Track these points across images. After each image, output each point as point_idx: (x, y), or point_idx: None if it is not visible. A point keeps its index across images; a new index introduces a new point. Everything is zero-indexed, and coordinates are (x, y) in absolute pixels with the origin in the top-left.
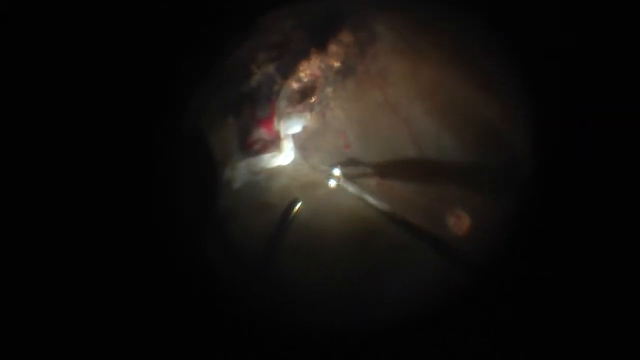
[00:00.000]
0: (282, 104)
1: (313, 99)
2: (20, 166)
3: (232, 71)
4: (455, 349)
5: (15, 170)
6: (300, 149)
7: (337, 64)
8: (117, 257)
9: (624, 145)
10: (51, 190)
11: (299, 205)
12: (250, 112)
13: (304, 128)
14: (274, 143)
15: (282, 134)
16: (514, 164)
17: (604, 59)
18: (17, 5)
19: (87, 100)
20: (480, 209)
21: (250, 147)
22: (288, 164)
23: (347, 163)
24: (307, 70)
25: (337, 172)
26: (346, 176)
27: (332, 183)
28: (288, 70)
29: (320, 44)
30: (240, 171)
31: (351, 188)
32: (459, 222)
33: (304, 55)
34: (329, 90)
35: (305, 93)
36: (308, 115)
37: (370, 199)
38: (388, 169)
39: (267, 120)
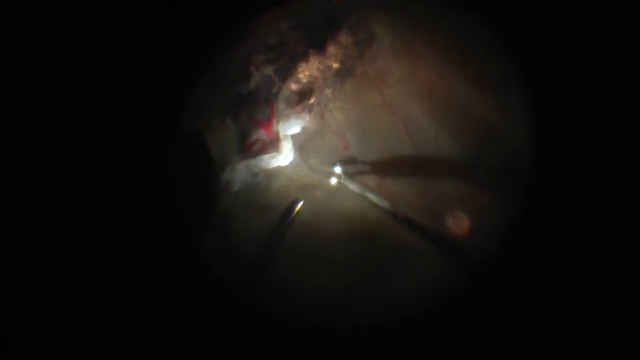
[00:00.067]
0: (280, 105)
1: (312, 100)
2: (20, 166)
3: (231, 72)
4: (455, 349)
5: (15, 170)
6: (299, 150)
7: (335, 65)
8: (117, 258)
9: (624, 144)
10: (50, 190)
11: (300, 205)
12: (249, 114)
13: (303, 129)
14: (273, 144)
15: (281, 135)
16: (513, 163)
17: (604, 58)
18: (17, 5)
19: (86, 101)
20: (480, 208)
21: (250, 148)
22: (287, 165)
23: (347, 163)
24: (306, 72)
25: (337, 170)
26: (347, 174)
27: (333, 180)
28: (286, 72)
29: (318, 45)
30: (239, 172)
31: (352, 186)
32: (459, 223)
33: (302, 56)
34: (327, 91)
35: (303, 94)
36: (307, 117)
37: (372, 197)
38: (387, 169)
39: (266, 122)
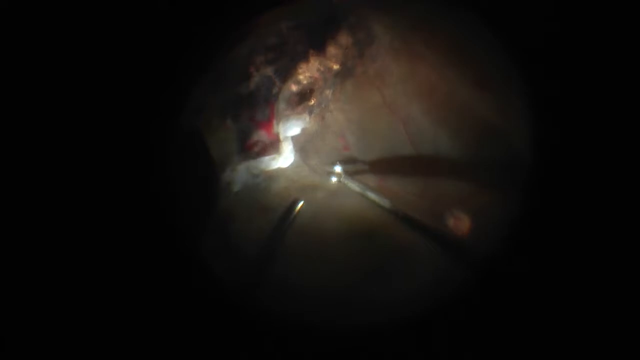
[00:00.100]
0: (281, 106)
1: (312, 101)
2: (20, 166)
3: (231, 73)
4: (455, 349)
5: (16, 171)
6: (299, 151)
7: (335, 66)
8: (118, 258)
9: (624, 144)
10: (51, 190)
11: (300, 205)
12: (249, 114)
13: (303, 130)
14: (273, 145)
15: (281, 136)
16: (513, 163)
17: (604, 58)
18: (17, 5)
19: (86, 101)
20: (480, 208)
21: (250, 150)
22: (288, 166)
23: (347, 163)
24: (306, 73)
25: (338, 169)
26: (347, 174)
27: (334, 179)
28: (286, 73)
29: (318, 45)
30: (239, 173)
31: (353, 185)
32: (459, 223)
33: (302, 57)
34: (327, 92)
35: (304, 95)
36: (307, 118)
37: (373, 196)
38: (387, 169)
39: (267, 123)
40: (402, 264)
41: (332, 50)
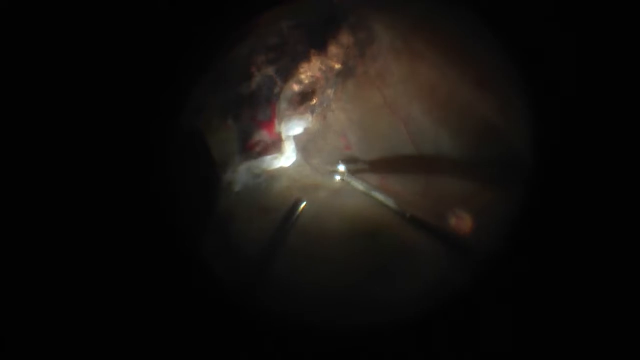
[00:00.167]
0: (282, 105)
1: (314, 101)
2: (20, 166)
3: (231, 73)
4: (455, 349)
5: (15, 171)
6: (301, 151)
7: (337, 66)
8: (118, 258)
9: (624, 144)
10: (50, 190)
11: (303, 205)
12: (251, 114)
13: (305, 130)
14: (275, 145)
15: (283, 136)
16: (514, 162)
17: (604, 58)
18: (17, 5)
19: (86, 101)
20: (481, 207)
21: (251, 149)
22: (290, 166)
23: (349, 162)
24: (308, 72)
25: (341, 168)
26: (350, 173)
27: (337, 178)
28: (288, 72)
29: (319, 45)
30: (240, 173)
31: (357, 184)
32: (461, 222)
33: (304, 56)
34: (329, 91)
35: (305, 95)
36: (309, 117)
37: (378, 195)
38: (388, 168)
39: (268, 122)
40: (404, 264)
41: (333, 49)
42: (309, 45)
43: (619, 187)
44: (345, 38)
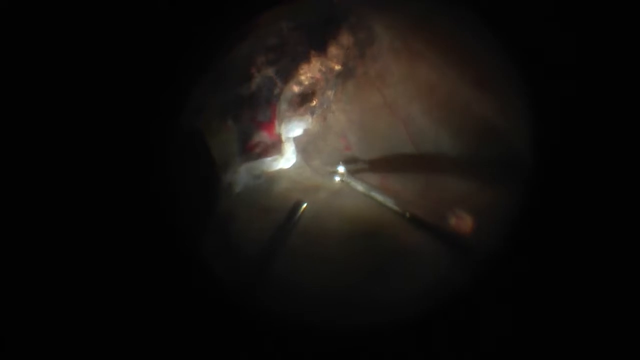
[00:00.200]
0: (282, 107)
1: (314, 102)
2: (20, 166)
3: (231, 73)
4: (455, 349)
5: (15, 171)
6: (301, 152)
7: (337, 67)
8: (118, 258)
9: (625, 144)
10: (50, 190)
11: (304, 207)
12: (251, 115)
13: (305, 131)
14: (275, 146)
15: (283, 137)
16: (514, 162)
17: (604, 58)
18: (17, 5)
19: (86, 101)
20: (482, 207)
21: (251, 151)
22: (290, 167)
23: (349, 163)
24: (307, 73)
25: (341, 169)
26: (350, 174)
27: (337, 179)
28: (288, 73)
29: (319, 45)
30: (241, 175)
31: (358, 185)
32: (461, 222)
33: (304, 57)
34: (329, 92)
35: (306, 96)
36: (309, 118)
37: (378, 196)
38: (388, 169)
39: (268, 124)
40: (404, 264)
41: (333, 50)
42: (309, 46)
43: (619, 187)
44: (345, 39)
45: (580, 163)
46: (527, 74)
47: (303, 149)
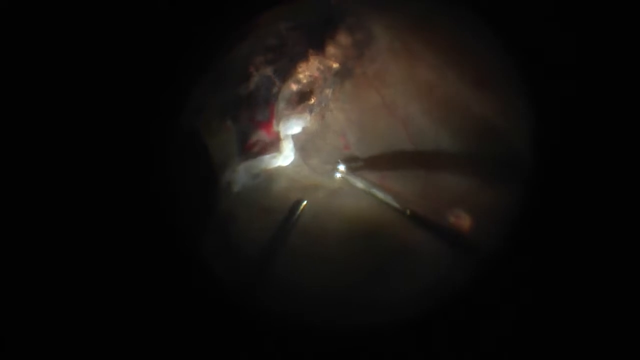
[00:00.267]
0: (281, 105)
1: (312, 101)
2: (20, 166)
3: (231, 73)
4: (455, 349)
5: (15, 171)
6: (300, 150)
7: (335, 66)
8: (118, 258)
9: (625, 144)
10: (50, 190)
11: (303, 205)
12: (249, 115)
13: (304, 129)
14: (273, 144)
15: (281, 136)
16: (514, 162)
17: (604, 58)
18: (17, 5)
19: (86, 101)
20: (481, 207)
21: (250, 150)
22: (288, 166)
23: (347, 162)
24: (306, 72)
25: (341, 167)
26: (350, 171)
27: (338, 175)
28: (286, 72)
29: (317, 45)
30: (240, 173)
31: (359, 183)
32: (460, 222)
33: (302, 56)
34: (327, 91)
35: (304, 95)
36: (307, 117)
37: (379, 194)
38: (387, 168)
39: (266, 123)
40: (403, 264)
41: (331, 49)
42: (308, 45)
43: (619, 187)
44: (344, 38)
45: (580, 163)
46: (527, 74)
47: (301, 147)
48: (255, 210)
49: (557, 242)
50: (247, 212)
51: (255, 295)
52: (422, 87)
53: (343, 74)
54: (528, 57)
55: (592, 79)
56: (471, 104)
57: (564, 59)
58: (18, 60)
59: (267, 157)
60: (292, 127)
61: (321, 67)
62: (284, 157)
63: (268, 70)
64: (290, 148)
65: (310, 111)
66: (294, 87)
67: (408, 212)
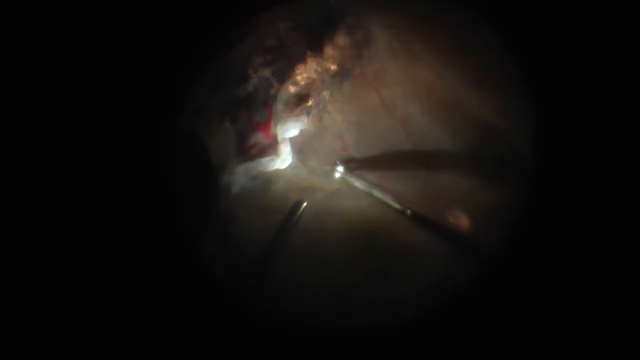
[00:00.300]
0: (279, 107)
1: (310, 102)
2: (20, 166)
3: (230, 74)
4: (455, 349)
5: (15, 171)
6: (298, 152)
7: (333, 67)
8: (118, 258)
9: (625, 143)
10: (50, 190)
11: (304, 206)
12: (247, 116)
13: (301, 131)
14: (271, 147)
15: (279, 138)
16: (514, 163)
17: (604, 58)
18: (17, 5)
19: (86, 101)
20: (481, 207)
21: (248, 151)
22: (286, 168)
23: (346, 164)
24: (304, 74)
25: (340, 169)
26: (348, 172)
27: (337, 176)
28: (284, 74)
29: (316, 46)
30: (238, 176)
31: (358, 183)
32: (459, 222)
33: (300, 58)
34: (325, 93)
35: (302, 96)
36: (305, 119)
37: (379, 194)
38: (386, 169)
39: (264, 125)
40: (403, 264)
41: (329, 51)
42: (306, 46)
43: (619, 187)
44: (342, 39)
45: (580, 163)
46: (527, 74)
47: (299, 149)
48: (255, 211)
49: (557, 242)
50: (246, 213)
51: (255, 295)
52: (422, 87)
53: (342, 75)
54: (528, 57)
55: (592, 79)
56: (471, 104)
57: (564, 59)
58: (18, 60)
59: (265, 159)
60: (289, 129)
61: (319, 69)
62: (282, 160)
63: (266, 72)
64: (288, 151)
65: (308, 113)
66: (292, 89)
67: (408, 212)
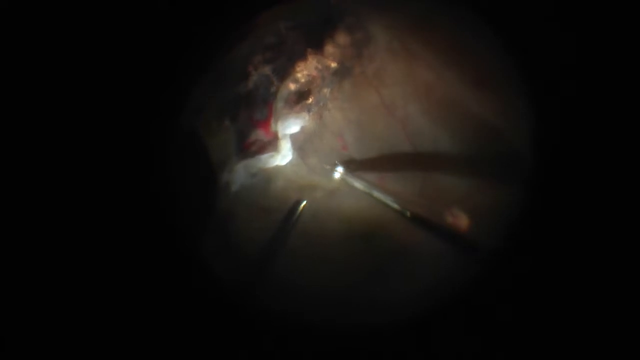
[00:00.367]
0: (279, 105)
1: (310, 100)
2: (20, 166)
3: (230, 73)
4: (455, 349)
5: (15, 171)
6: (298, 150)
7: (333, 65)
8: (118, 257)
9: (625, 143)
10: (50, 190)
11: (303, 205)
12: (248, 114)
13: (302, 129)
14: (271, 144)
15: (279, 135)
16: (513, 163)
17: (604, 58)
18: (17, 5)
19: (86, 101)
20: (480, 207)
21: (248, 149)
22: (286, 166)
23: (346, 163)
24: (304, 71)
25: (340, 169)
26: (348, 172)
27: (337, 176)
28: (285, 72)
29: (316, 44)
30: (238, 173)
31: (358, 183)
32: (458, 222)
33: (301, 56)
34: (325, 91)
35: (302, 94)
36: (305, 116)
37: (379, 195)
38: (386, 169)
39: (265, 122)
40: (403, 264)
41: (330, 48)
42: (306, 44)
43: (619, 187)
44: (343, 38)
45: (580, 163)
46: (527, 74)
47: (299, 147)
48: (255, 210)
49: (557, 242)
50: (246, 211)
51: (255, 295)
52: (422, 87)
53: (342, 74)
54: (528, 57)
55: (592, 79)
56: (471, 104)
57: (564, 59)
58: (18, 61)
59: (265, 156)
60: (290, 126)
61: (319, 66)
62: (282, 157)
63: (267, 70)
64: (288, 147)
65: (309, 110)
66: (292, 86)
67: (408, 212)
